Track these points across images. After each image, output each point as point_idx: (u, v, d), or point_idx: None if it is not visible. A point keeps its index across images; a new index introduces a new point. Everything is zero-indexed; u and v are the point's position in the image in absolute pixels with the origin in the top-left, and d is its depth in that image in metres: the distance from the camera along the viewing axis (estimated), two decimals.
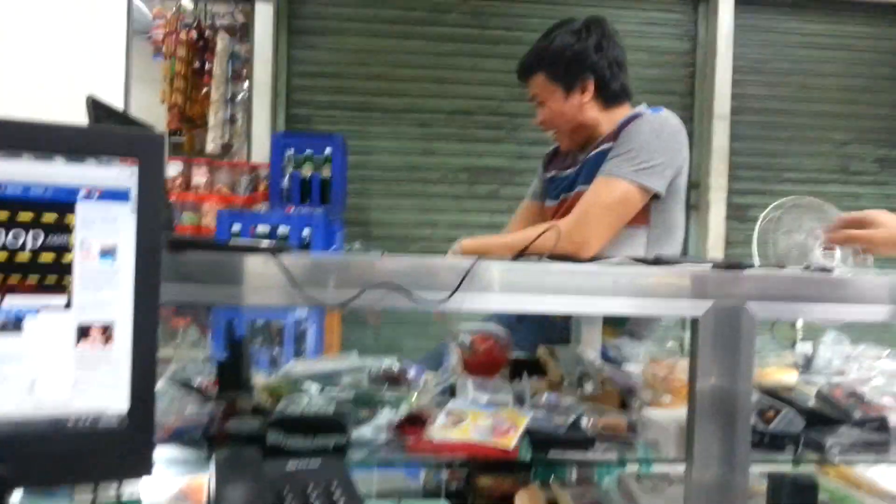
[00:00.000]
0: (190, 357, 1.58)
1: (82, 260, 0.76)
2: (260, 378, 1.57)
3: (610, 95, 1.83)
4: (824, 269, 1.28)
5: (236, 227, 3.57)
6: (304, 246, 3.61)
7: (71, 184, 0.74)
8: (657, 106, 1.85)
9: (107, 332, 0.78)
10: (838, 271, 1.38)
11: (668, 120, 1.78)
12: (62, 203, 0.74)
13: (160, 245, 0.77)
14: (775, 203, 2.10)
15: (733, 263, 1.17)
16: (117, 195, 0.76)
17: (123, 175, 0.75)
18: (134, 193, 0.76)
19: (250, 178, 4.03)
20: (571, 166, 1.94)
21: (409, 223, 4.49)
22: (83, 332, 0.78)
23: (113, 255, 0.77)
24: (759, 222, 2.04)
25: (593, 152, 1.83)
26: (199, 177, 3.93)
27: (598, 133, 1.85)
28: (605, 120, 1.85)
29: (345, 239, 4.04)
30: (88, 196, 0.75)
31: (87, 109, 0.96)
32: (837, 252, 2.08)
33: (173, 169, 3.93)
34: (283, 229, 3.59)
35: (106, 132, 0.75)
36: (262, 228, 3.56)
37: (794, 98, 4.78)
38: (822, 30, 4.79)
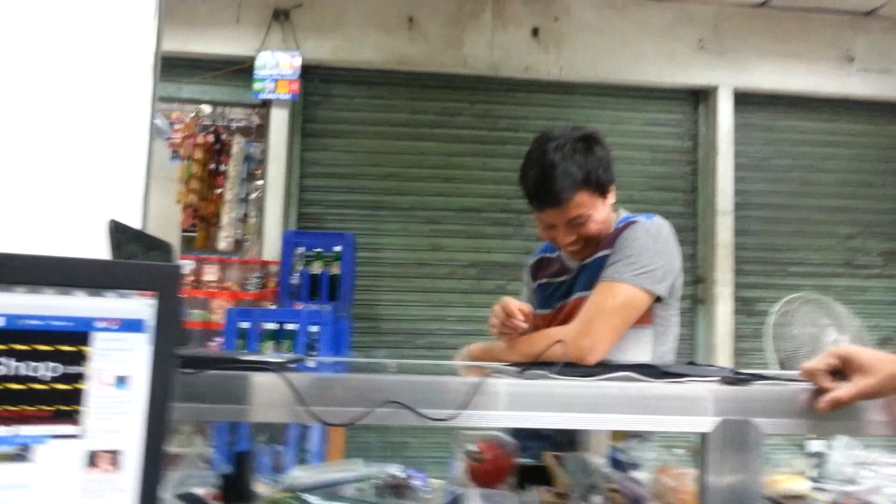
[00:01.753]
0: (193, 461, 1.57)
1: (97, 389, 0.77)
2: (264, 487, 1.56)
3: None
4: None
5: (244, 324, 3.58)
6: (313, 342, 3.62)
7: (89, 315, 0.76)
8: (650, 213, 1.89)
9: (115, 459, 0.79)
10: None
11: (662, 226, 1.82)
12: (80, 333, 0.76)
13: (174, 374, 0.79)
14: (785, 299, 2.11)
15: (739, 377, 1.18)
16: (134, 326, 0.78)
17: (141, 307, 0.78)
18: (151, 324, 0.78)
19: (261, 275, 4.09)
20: (563, 273, 1.95)
21: (417, 318, 4.51)
22: (92, 459, 0.79)
23: (127, 383, 0.79)
24: (770, 318, 2.04)
25: (591, 259, 1.86)
26: (210, 274, 3.99)
27: (605, 237, 1.88)
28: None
29: (354, 335, 4.04)
30: (107, 328, 0.77)
31: (108, 232, 1.00)
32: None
33: (185, 267, 3.99)
34: (291, 326, 3.61)
35: (126, 267, 0.78)
36: (270, 325, 3.58)
37: (796, 193, 4.85)
38: (821, 127, 4.91)
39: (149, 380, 0.79)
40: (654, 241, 1.77)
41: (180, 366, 0.99)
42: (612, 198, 1.85)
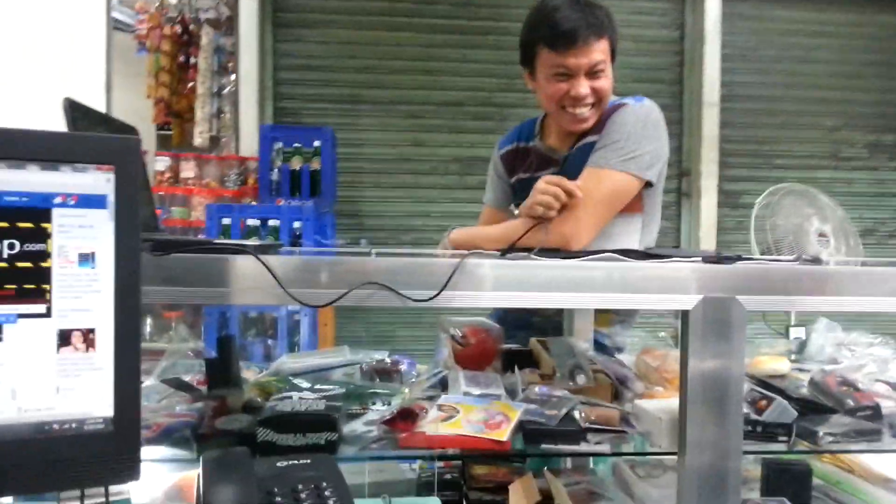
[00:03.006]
0: (180, 352, 1.57)
1: (60, 266, 0.74)
2: (252, 373, 1.57)
3: None
4: (815, 260, 1.27)
5: (226, 221, 3.55)
6: (296, 237, 3.59)
7: (46, 191, 0.72)
8: (639, 95, 1.82)
9: (88, 338, 0.77)
10: (831, 262, 1.38)
11: (652, 109, 1.76)
12: (38, 210, 0.73)
13: (139, 250, 0.76)
14: (770, 189, 2.10)
15: (723, 257, 1.17)
16: (94, 201, 0.74)
17: (100, 181, 0.74)
18: (111, 199, 0.75)
19: (239, 171, 4.01)
20: (546, 166, 1.89)
21: (400, 214, 4.49)
22: (64, 339, 0.76)
23: (92, 261, 0.75)
24: (755, 208, 2.03)
25: (578, 145, 1.80)
26: (188, 171, 3.91)
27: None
28: None
29: (337, 232, 4.02)
30: (64, 203, 0.73)
31: (63, 112, 0.94)
32: (831, 240, 2.08)
33: (161, 163, 3.91)
34: (273, 222, 3.57)
35: (80, 139, 0.74)
36: (253, 222, 3.54)
37: (783, 85, 4.78)
38: (809, 17, 4.79)
39: (115, 257, 0.76)
40: (642, 125, 1.72)
41: (152, 249, 0.96)
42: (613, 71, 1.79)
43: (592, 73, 1.72)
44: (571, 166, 1.77)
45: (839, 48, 4.83)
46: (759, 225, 2.11)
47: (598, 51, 1.70)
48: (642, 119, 1.72)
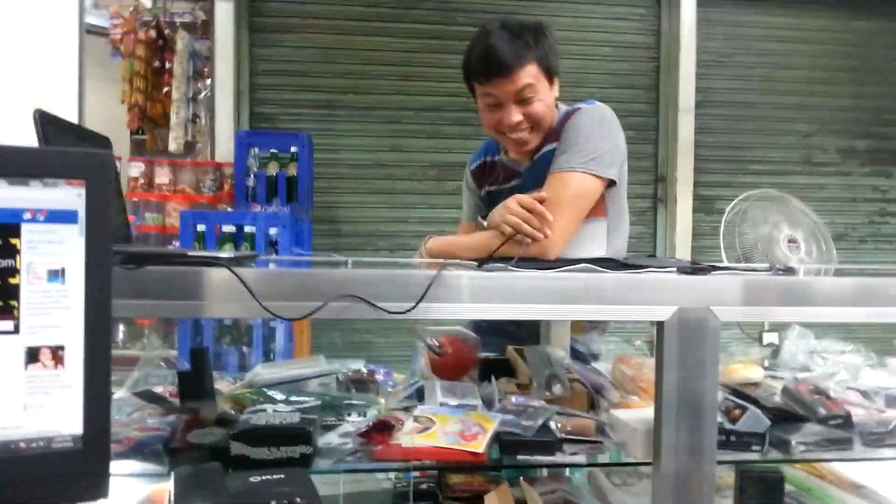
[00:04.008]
0: (153, 362, 1.55)
1: (29, 283, 0.73)
2: (226, 384, 1.55)
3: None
4: (788, 270, 1.29)
5: (201, 228, 3.50)
6: (272, 244, 3.57)
7: (15, 206, 0.71)
8: (590, 99, 1.85)
9: (57, 355, 0.76)
10: (802, 270, 1.39)
11: (604, 110, 1.79)
12: (6, 226, 0.71)
13: (110, 266, 0.75)
14: (741, 196, 2.12)
15: (697, 267, 1.18)
16: (64, 216, 0.73)
17: (70, 196, 0.73)
18: (82, 214, 0.73)
19: (215, 177, 3.98)
20: (511, 178, 1.90)
21: (377, 220, 4.47)
22: (32, 356, 0.75)
23: (61, 276, 0.74)
24: (724, 216, 2.05)
25: (538, 154, 1.82)
26: (162, 176, 3.87)
27: (548, 130, 1.84)
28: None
29: (314, 238, 4.00)
30: (34, 218, 0.72)
31: (34, 124, 0.92)
32: (801, 245, 2.10)
33: (135, 169, 3.86)
34: (249, 229, 3.54)
35: (50, 154, 0.73)
36: (228, 228, 3.51)
37: (757, 90, 4.83)
38: (784, 23, 4.85)
39: (85, 273, 0.75)
40: (598, 125, 1.74)
41: (124, 262, 0.95)
42: (556, 90, 1.81)
43: (521, 100, 1.74)
44: (534, 175, 1.80)
45: (813, 53, 4.89)
46: (728, 231, 2.13)
47: (524, 76, 1.71)
48: (597, 120, 1.75)
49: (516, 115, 1.74)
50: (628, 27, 4.73)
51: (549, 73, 1.76)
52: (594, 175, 1.69)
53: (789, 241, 2.04)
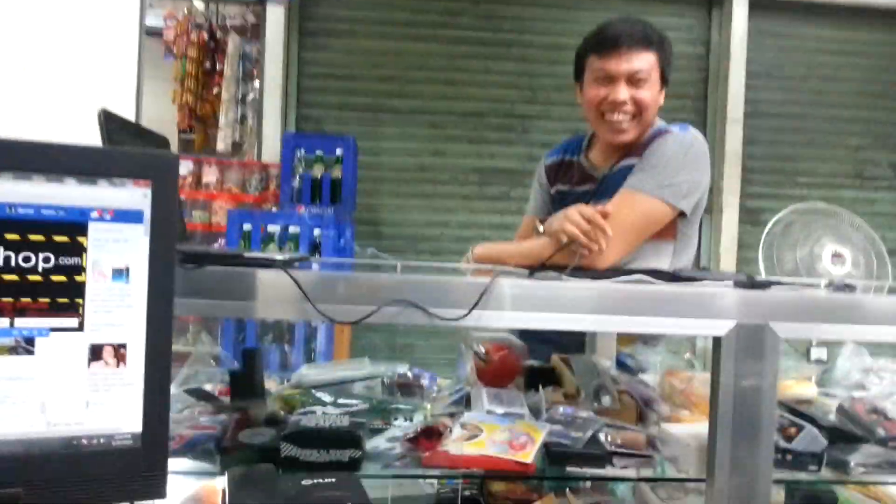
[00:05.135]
0: (202, 359, 1.57)
1: (94, 281, 0.74)
2: (273, 383, 1.56)
3: None
4: (847, 287, 1.25)
5: (247, 227, 3.55)
6: (315, 246, 3.59)
7: (83, 205, 0.72)
8: (684, 123, 1.81)
9: (119, 353, 0.77)
10: (860, 287, 1.35)
11: (696, 139, 1.74)
12: (74, 224, 0.73)
13: (174, 266, 0.76)
14: (787, 209, 2.07)
15: (755, 282, 1.15)
16: (130, 216, 0.74)
17: (136, 196, 0.74)
18: (147, 214, 0.75)
19: (261, 177, 4.02)
20: (585, 182, 1.88)
21: (419, 223, 4.48)
22: (95, 353, 0.76)
23: (126, 275, 0.75)
24: (765, 231, 2.00)
25: (618, 167, 1.79)
26: (210, 175, 3.93)
27: (634, 145, 1.80)
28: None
29: (356, 239, 4.02)
30: (101, 217, 0.73)
31: (98, 123, 0.94)
32: (848, 261, 2.05)
33: (184, 168, 3.92)
34: (293, 229, 3.57)
35: (118, 154, 0.74)
36: (273, 228, 3.55)
37: (808, 102, 4.73)
38: (836, 35, 4.74)
39: (148, 272, 0.75)
40: (684, 153, 1.70)
41: (183, 261, 0.96)
42: (661, 98, 1.79)
43: (633, 80, 1.73)
44: (609, 186, 1.76)
45: (865, 67, 4.77)
46: (773, 243, 2.08)
47: (641, 59, 1.73)
48: (684, 148, 1.70)
49: (623, 93, 1.73)
50: (678, 37, 4.66)
51: (664, 75, 1.77)
52: (665, 202, 1.66)
53: (834, 255, 1.98)
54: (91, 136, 1.07)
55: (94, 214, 0.74)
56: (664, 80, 1.78)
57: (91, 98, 1.59)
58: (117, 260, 0.76)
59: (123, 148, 0.93)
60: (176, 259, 0.78)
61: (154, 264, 0.77)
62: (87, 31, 1.65)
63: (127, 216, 0.76)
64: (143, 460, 0.79)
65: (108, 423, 0.78)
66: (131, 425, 0.79)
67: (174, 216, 0.76)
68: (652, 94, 1.75)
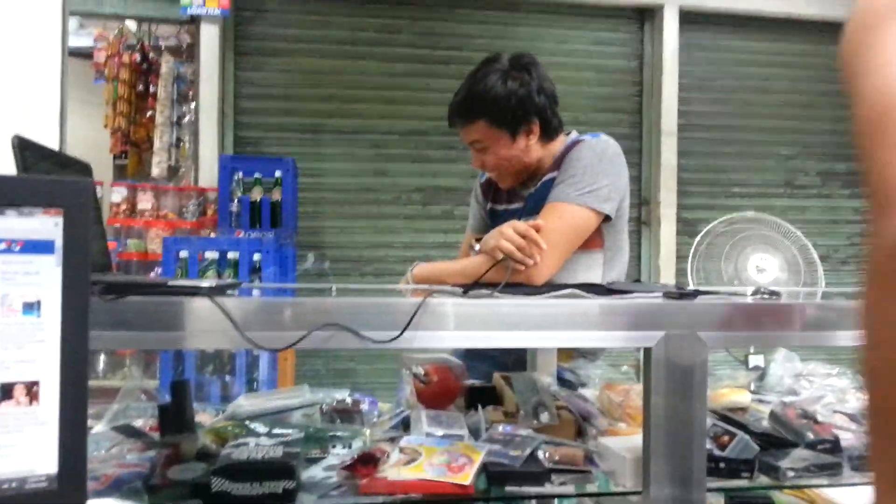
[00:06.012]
0: (133, 394, 1.51)
1: (3, 316, 0.71)
2: (207, 416, 1.52)
3: (551, 131, 1.84)
4: (773, 294, 1.28)
5: (183, 254, 3.47)
6: (255, 270, 3.53)
7: None
8: (596, 132, 1.87)
9: (32, 391, 0.74)
10: (785, 294, 1.39)
11: (608, 144, 1.80)
12: None
13: (88, 298, 0.73)
14: (715, 221, 2.12)
15: (683, 292, 1.17)
16: (41, 247, 0.71)
17: (47, 226, 0.71)
18: (59, 244, 0.72)
19: (198, 202, 3.94)
20: (515, 201, 1.93)
21: (362, 245, 4.45)
22: (6, 392, 0.73)
23: (37, 309, 0.72)
24: (694, 243, 2.05)
25: (539, 184, 1.83)
26: (145, 202, 3.83)
27: (541, 167, 1.86)
28: (547, 154, 1.85)
29: (298, 263, 3.97)
30: (9, 249, 0.70)
31: (13, 150, 0.90)
32: (775, 269, 2.11)
33: (117, 194, 3.82)
34: (232, 255, 3.51)
35: (25, 182, 0.71)
36: (211, 254, 3.47)
37: (739, 114, 4.88)
38: (765, 47, 4.91)
39: (61, 305, 0.73)
40: (598, 159, 1.74)
41: (103, 292, 0.93)
42: (530, 139, 1.80)
43: (477, 149, 1.84)
44: (536, 202, 1.81)
45: (793, 77, 4.95)
46: (703, 253, 2.14)
47: (471, 132, 1.81)
48: (598, 153, 1.75)
49: (476, 160, 1.87)
50: (612, 52, 4.77)
51: (512, 128, 1.78)
52: (589, 208, 1.69)
53: (760, 265, 2.04)
54: (8, 167, 1.03)
55: (2, 246, 0.71)
56: (517, 127, 1.78)
57: (11, 124, 1.53)
58: (28, 293, 0.73)
59: (32, 175, 0.89)
60: (91, 290, 0.75)
61: (67, 296, 0.74)
62: (5, 53, 1.59)
63: (37, 247, 0.73)
64: (60, 502, 0.76)
65: (21, 465, 0.74)
66: (46, 467, 0.75)
67: (88, 246, 0.74)
68: (500, 152, 1.81)
